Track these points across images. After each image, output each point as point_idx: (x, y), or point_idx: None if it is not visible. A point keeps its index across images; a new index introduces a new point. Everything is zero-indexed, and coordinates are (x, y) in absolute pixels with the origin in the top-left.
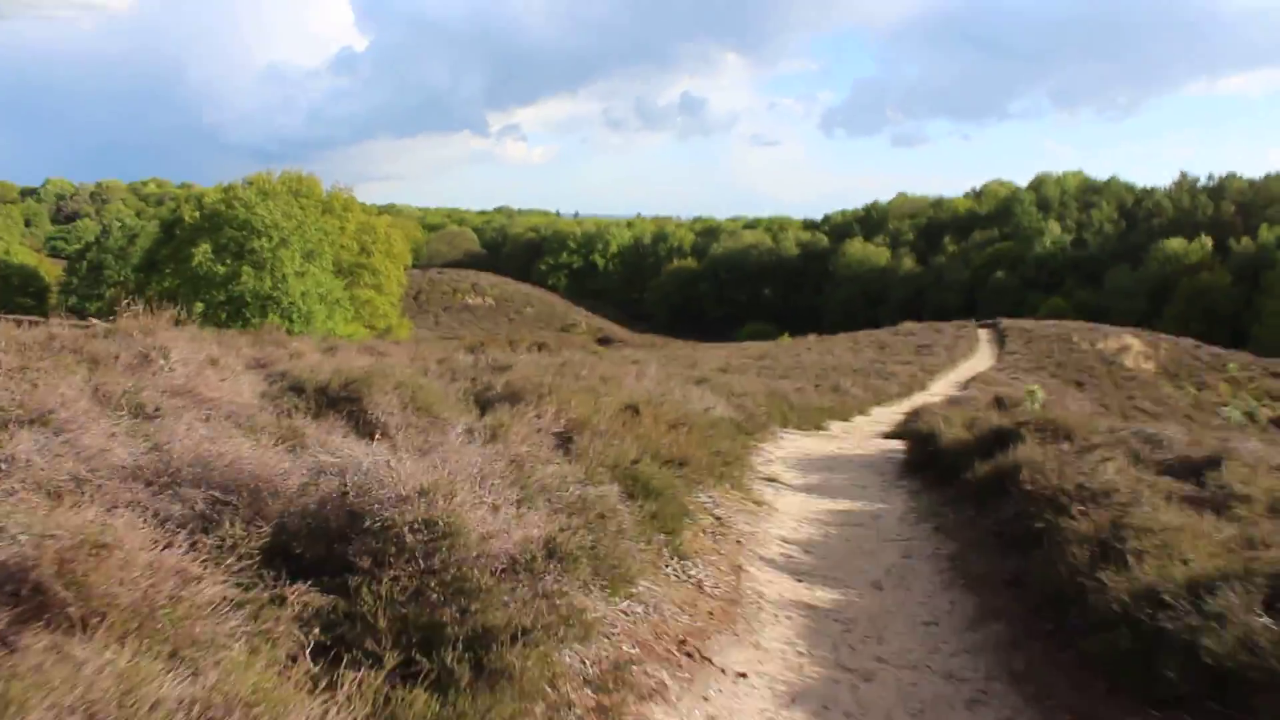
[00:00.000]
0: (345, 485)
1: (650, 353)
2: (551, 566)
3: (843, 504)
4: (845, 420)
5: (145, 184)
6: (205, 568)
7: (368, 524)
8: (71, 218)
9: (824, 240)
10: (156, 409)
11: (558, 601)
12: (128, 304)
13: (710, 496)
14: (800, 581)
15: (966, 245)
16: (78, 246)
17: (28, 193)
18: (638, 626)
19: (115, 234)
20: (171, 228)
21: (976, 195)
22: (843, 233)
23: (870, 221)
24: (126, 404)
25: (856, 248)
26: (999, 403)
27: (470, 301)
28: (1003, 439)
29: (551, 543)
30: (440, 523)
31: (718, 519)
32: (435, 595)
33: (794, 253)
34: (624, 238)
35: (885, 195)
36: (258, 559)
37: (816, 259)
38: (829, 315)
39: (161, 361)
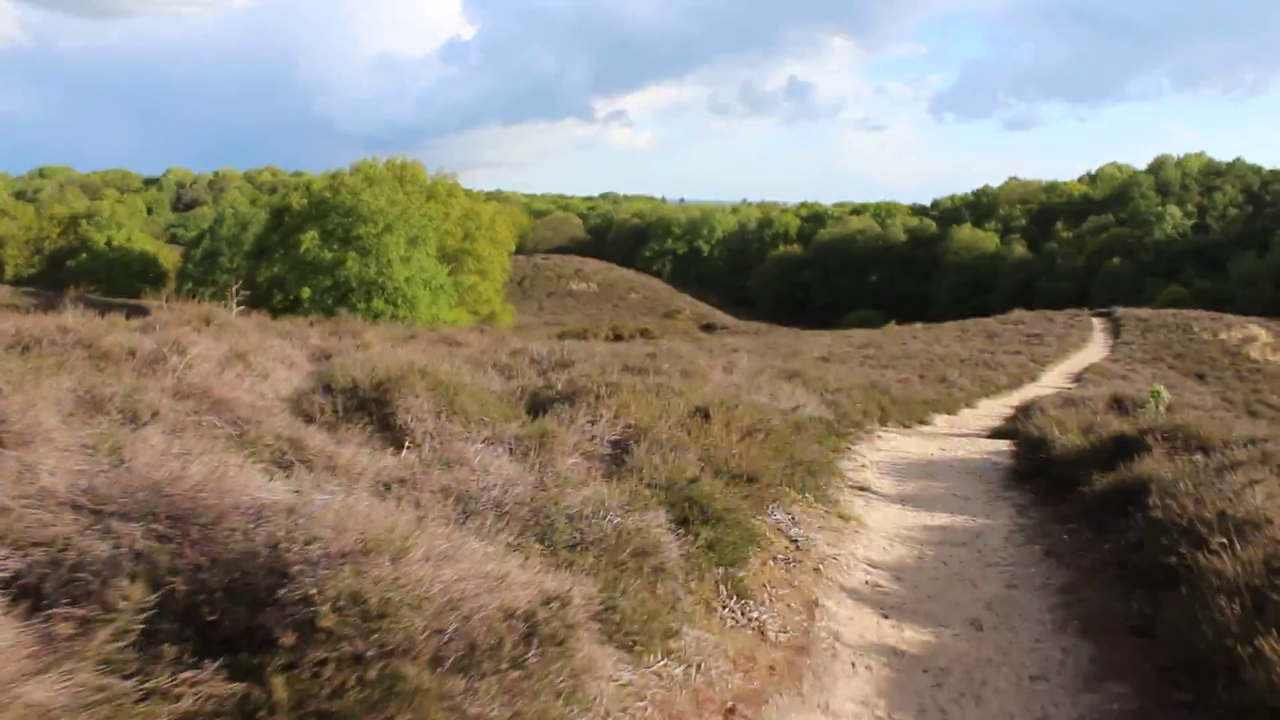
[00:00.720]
0: (277, 534)
1: (751, 340)
2: (530, 654)
3: (941, 518)
4: (951, 414)
5: (260, 172)
6: (69, 644)
7: (285, 591)
8: (190, 206)
9: (932, 226)
10: (154, 414)
11: (532, 702)
12: (237, 289)
13: (788, 514)
14: (886, 618)
15: (1080, 231)
16: (194, 234)
17: (150, 182)
18: (674, 694)
19: (229, 221)
20: (280, 215)
21: (1091, 179)
22: (951, 218)
23: (980, 207)
24: (119, 409)
25: (965, 234)
26: (1119, 404)
27: (574, 288)
28: (1125, 448)
29: (532, 619)
30: (371, 599)
31: (794, 542)
32: (360, 694)
33: (901, 239)
34: (729, 224)
35: (996, 180)
36: (146, 629)
37: (924, 245)
38: (936, 303)
39: (175, 359)
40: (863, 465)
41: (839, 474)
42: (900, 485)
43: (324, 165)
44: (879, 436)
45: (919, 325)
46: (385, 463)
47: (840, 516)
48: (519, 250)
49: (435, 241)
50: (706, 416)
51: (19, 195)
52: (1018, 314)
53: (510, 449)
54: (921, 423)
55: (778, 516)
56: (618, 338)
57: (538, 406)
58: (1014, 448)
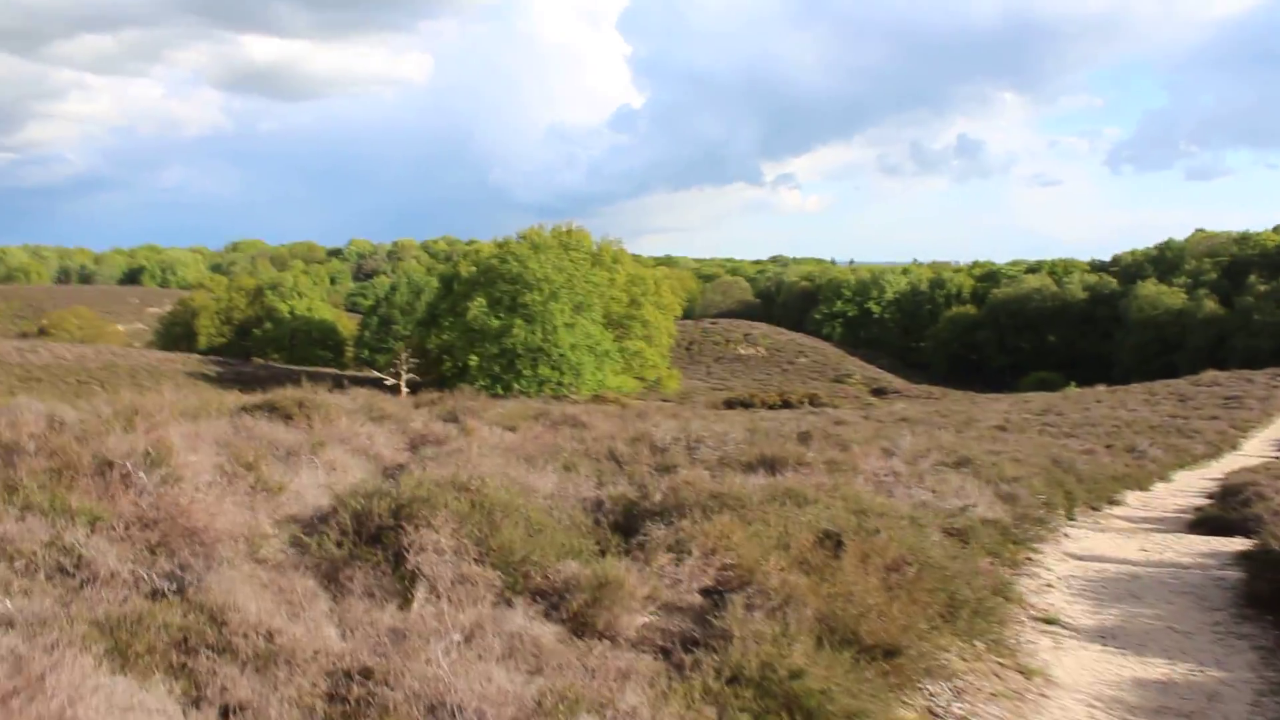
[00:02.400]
0: None
1: (923, 407)
2: None
3: (1157, 667)
4: (1143, 489)
5: (436, 242)
6: None
7: None
8: (370, 275)
9: (1113, 282)
10: (78, 561)
11: None
12: (407, 356)
13: (947, 684)
14: None
15: (1278, 284)
16: (371, 302)
17: (334, 253)
18: None
19: (402, 289)
20: (450, 283)
21: None
22: (1133, 274)
23: (1164, 261)
24: (36, 553)
25: (1149, 289)
26: None
27: (743, 352)
28: None
29: None
30: None
31: None
32: None
33: (1080, 296)
34: (900, 284)
35: (1180, 232)
36: None
37: (1105, 303)
38: (1120, 363)
39: (140, 475)
40: (1048, 584)
41: (1018, 599)
42: (1098, 613)
43: (499, 234)
44: (1065, 534)
45: (1102, 388)
46: (352, 642)
47: (1021, 671)
48: (687, 314)
49: (601, 307)
50: (838, 545)
51: (215, 269)
52: (1211, 374)
53: (553, 605)
54: (1111, 502)
55: (931, 691)
56: (785, 404)
57: (630, 522)
58: (1242, 553)
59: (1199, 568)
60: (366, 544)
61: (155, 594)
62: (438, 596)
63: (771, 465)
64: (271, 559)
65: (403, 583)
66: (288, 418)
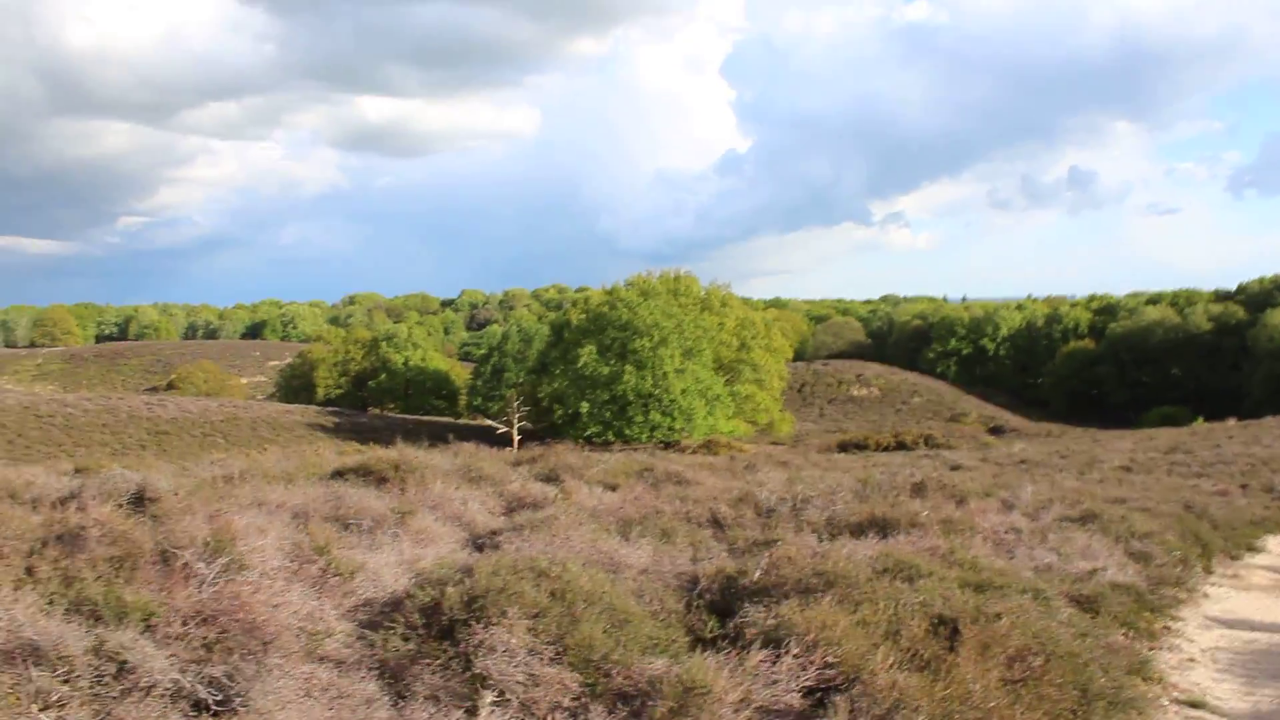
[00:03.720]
0: None
1: (1042, 446)
2: None
3: None
4: None
5: (546, 290)
6: None
7: None
8: (483, 325)
9: (1239, 312)
10: (120, 668)
11: None
12: (519, 404)
13: None
14: None
15: None
16: (483, 351)
17: (447, 304)
18: None
19: (514, 338)
20: (560, 331)
21: None
22: (1262, 302)
23: None
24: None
25: None
26: None
27: (855, 393)
28: None
29: None
30: None
31: None
32: None
33: (1205, 327)
34: (1014, 321)
35: None
36: None
37: (1232, 333)
38: (1250, 396)
39: (201, 566)
40: (1191, 658)
41: (1159, 679)
42: (1250, 693)
43: (608, 281)
44: (1205, 594)
45: (1232, 422)
46: None
47: None
48: (798, 356)
49: (711, 352)
50: (954, 634)
51: (333, 321)
52: None
53: (635, 713)
54: (1251, 549)
55: None
56: (900, 445)
57: (727, 601)
58: None
59: None
60: (436, 638)
61: (198, 706)
62: (507, 703)
63: (883, 527)
64: (334, 655)
65: (472, 684)
66: (382, 480)
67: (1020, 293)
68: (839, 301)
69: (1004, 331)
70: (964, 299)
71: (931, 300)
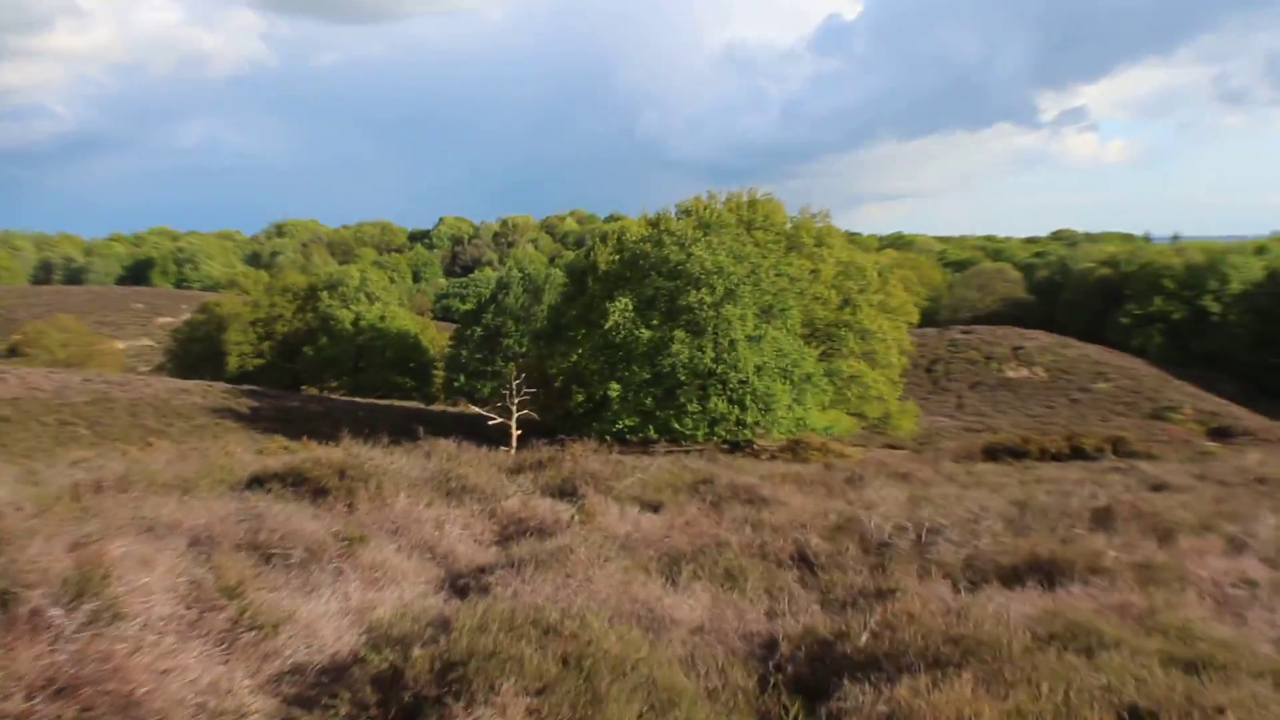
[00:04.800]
0: None
1: None
2: None
3: None
4: None
5: (562, 219)
6: None
7: None
8: (470, 267)
9: None
10: None
11: None
12: (520, 385)
13: None
14: None
15: None
16: (471, 306)
17: (418, 237)
18: None
19: (514, 288)
20: (582, 277)
21: None
22: None
23: None
24: None
25: None
26: None
27: (1011, 374)
28: None
29: None
30: None
31: None
32: None
33: None
34: (1252, 271)
35: None
36: None
37: None
38: None
39: (57, 614)
40: None
41: None
42: None
43: (650, 207)
44: None
45: None
46: None
47: None
48: (928, 319)
49: (800, 311)
50: None
51: (252, 260)
52: None
53: None
54: None
55: None
56: (1076, 452)
57: (819, 677)
58: None
59: None
60: (404, 716)
61: None
62: None
63: (1048, 573)
64: None
65: None
66: (320, 493)
67: (1261, 229)
68: (988, 240)
69: (1235, 286)
70: (1175, 238)
71: (1127, 239)
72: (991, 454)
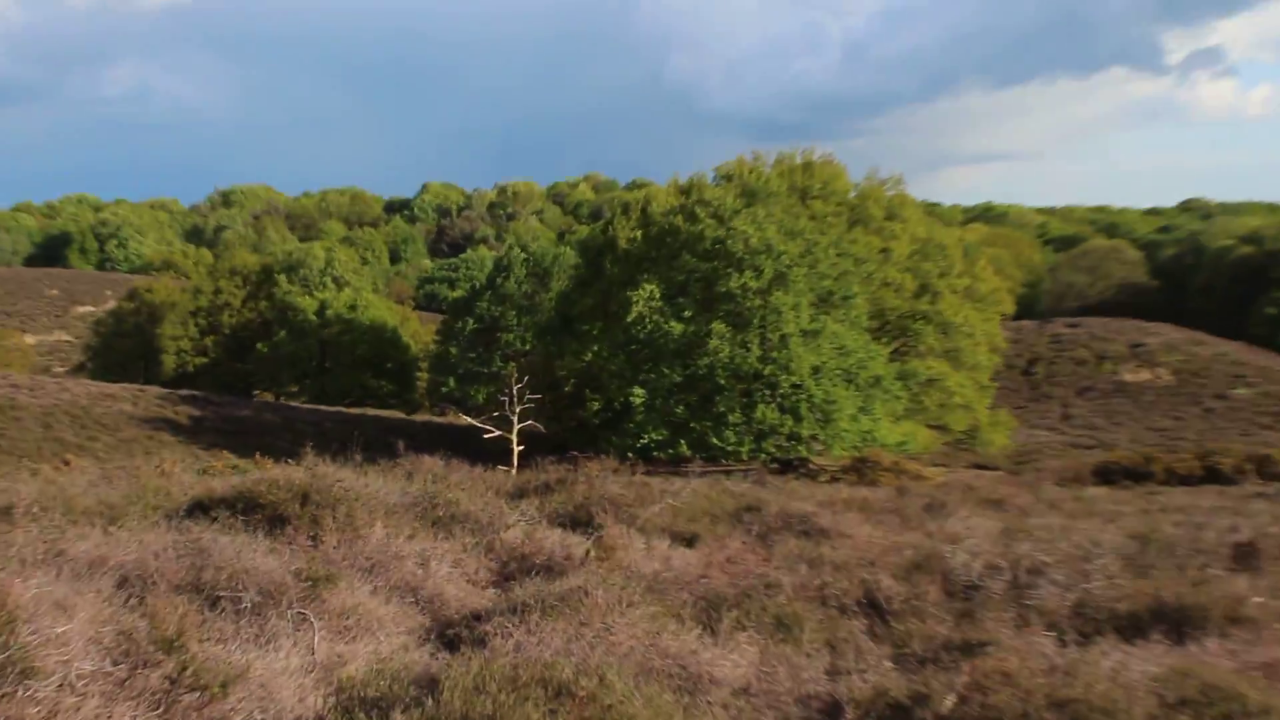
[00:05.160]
0: None
1: None
2: None
3: None
4: None
5: (573, 186)
6: None
7: None
8: (459, 246)
9: None
10: None
11: None
12: (523, 389)
13: None
14: None
15: None
16: (461, 293)
17: (396, 208)
18: None
19: (517, 272)
20: (598, 257)
21: None
22: None
23: None
24: None
25: None
26: None
27: (1129, 377)
28: None
29: None
30: None
31: None
32: None
33: None
34: None
35: None
36: None
37: None
38: None
39: None
40: None
41: None
42: None
43: (683, 171)
44: None
45: None
46: None
47: None
48: (1024, 311)
49: (866, 300)
50: None
51: (192, 237)
52: None
53: None
54: None
55: None
56: (1211, 473)
57: None
58: None
59: None
60: None
61: None
62: None
63: (1176, 622)
64: None
65: None
66: (278, 522)
67: None
68: (1100, 211)
69: None
70: None
71: (1274, 210)
72: (1105, 476)
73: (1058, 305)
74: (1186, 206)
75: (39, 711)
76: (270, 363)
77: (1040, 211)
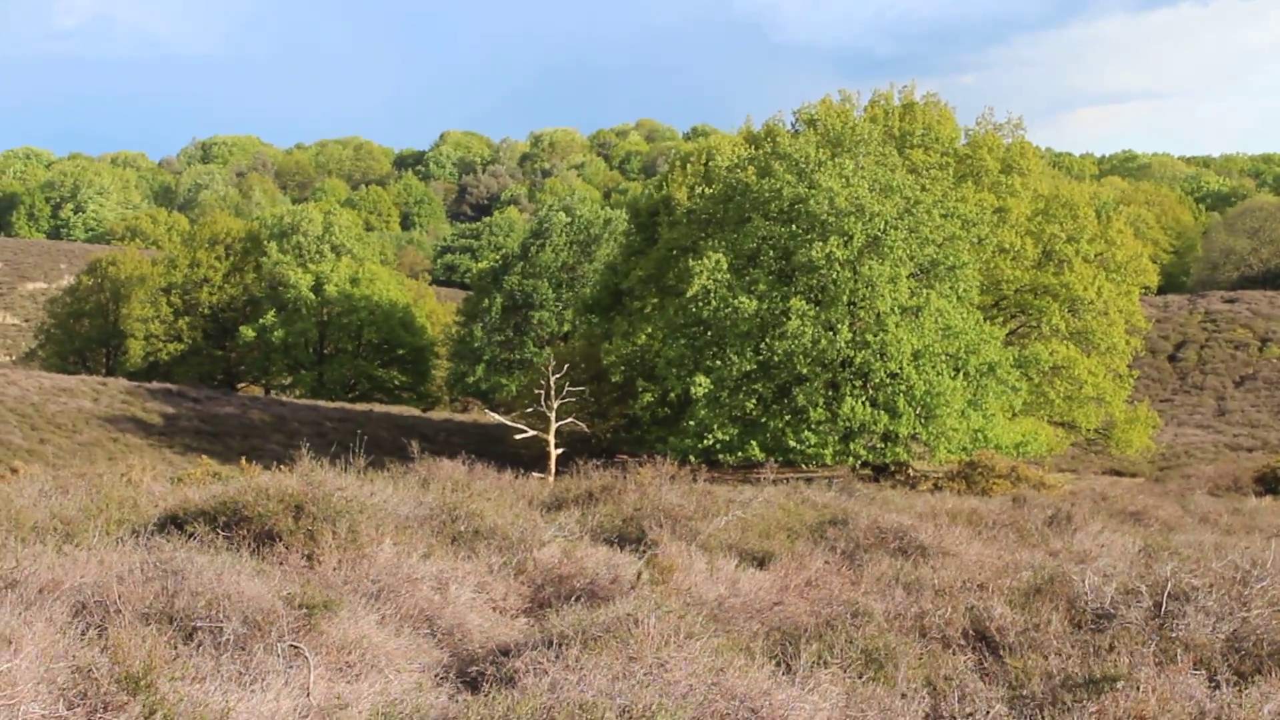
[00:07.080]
0: None
1: None
2: None
3: None
4: None
5: (622, 135)
6: None
7: None
8: (484, 207)
9: None
10: None
11: None
12: (561, 380)
13: None
14: None
15: None
16: (487, 264)
17: (407, 163)
18: None
19: (555, 239)
20: (652, 223)
21: None
22: None
23: None
24: None
25: None
26: None
27: None
28: None
29: None
30: None
31: None
32: None
33: None
34: None
35: None
36: None
37: None
38: None
39: None
40: None
41: None
42: None
43: (756, 116)
44: None
45: None
46: None
47: None
48: (1170, 284)
49: (977, 272)
50: None
51: (163, 198)
52: None
53: None
54: None
55: None
56: None
57: None
58: None
59: None
60: None
61: None
62: None
63: None
64: None
65: None
66: (267, 539)
67: None
68: (1266, 161)
69: None
70: None
71: None
72: (1269, 484)
73: (1213, 276)
74: None
75: None
76: (258, 349)
77: (1192, 161)
